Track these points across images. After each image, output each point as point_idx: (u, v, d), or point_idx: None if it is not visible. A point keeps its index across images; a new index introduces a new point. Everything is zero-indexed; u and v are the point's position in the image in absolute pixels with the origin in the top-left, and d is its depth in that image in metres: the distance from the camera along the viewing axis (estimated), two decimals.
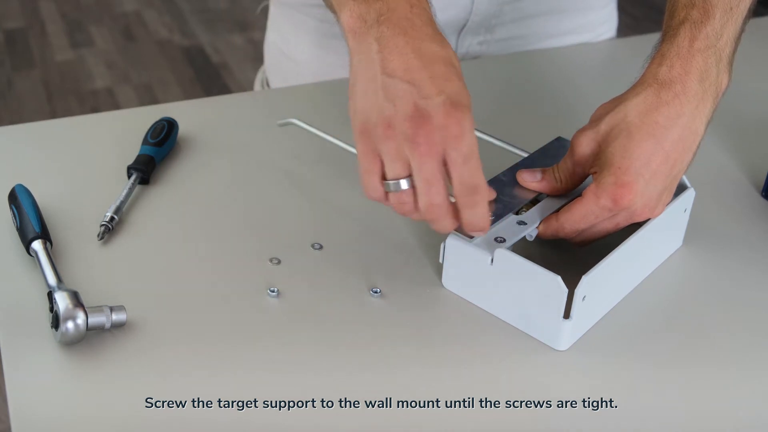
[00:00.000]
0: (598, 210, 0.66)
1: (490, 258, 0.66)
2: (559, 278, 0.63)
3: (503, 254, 0.65)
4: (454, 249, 0.68)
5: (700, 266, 0.76)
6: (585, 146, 0.68)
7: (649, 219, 0.69)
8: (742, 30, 0.72)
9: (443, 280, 0.71)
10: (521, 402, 0.62)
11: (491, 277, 0.67)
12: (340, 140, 0.78)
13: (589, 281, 0.63)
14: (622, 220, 0.68)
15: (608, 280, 0.67)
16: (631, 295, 0.71)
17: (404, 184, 0.62)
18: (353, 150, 0.75)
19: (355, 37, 0.64)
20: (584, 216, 0.67)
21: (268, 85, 1.16)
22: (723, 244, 0.78)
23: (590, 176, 0.70)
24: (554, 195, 0.72)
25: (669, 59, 0.67)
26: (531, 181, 0.72)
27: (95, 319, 0.64)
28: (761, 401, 0.63)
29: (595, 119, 0.69)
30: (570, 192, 0.71)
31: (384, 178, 0.63)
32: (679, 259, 0.76)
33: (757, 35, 1.17)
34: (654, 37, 0.73)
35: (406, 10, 0.63)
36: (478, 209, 0.63)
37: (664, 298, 0.72)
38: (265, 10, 1.17)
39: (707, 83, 0.67)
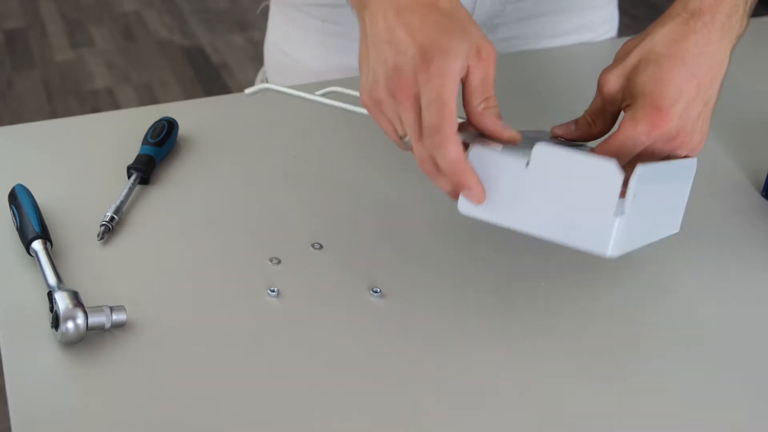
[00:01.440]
0: (636, 136, 0.65)
1: (525, 161, 0.60)
2: (614, 162, 0.58)
3: (545, 150, 0.59)
4: (479, 160, 0.61)
5: (700, 266, 0.76)
6: (613, 83, 0.68)
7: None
8: None
9: (459, 203, 0.64)
10: (524, 404, 0.62)
11: (526, 185, 0.60)
12: (320, 97, 0.76)
13: (642, 174, 0.59)
14: (659, 148, 0.67)
15: (650, 193, 0.63)
16: (632, 296, 0.71)
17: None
18: (333, 103, 0.74)
19: (357, 10, 0.66)
20: (622, 145, 0.66)
21: None
22: (723, 244, 0.78)
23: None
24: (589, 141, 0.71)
25: None
26: (566, 133, 0.71)
27: (95, 319, 0.64)
28: (762, 401, 0.63)
29: (621, 56, 0.69)
30: (604, 135, 0.70)
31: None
32: (679, 259, 0.76)
33: (757, 35, 1.17)
34: None
35: None
36: (444, 150, 0.60)
37: (665, 298, 0.72)
38: (266, 11, 1.17)
39: (734, 19, 0.68)
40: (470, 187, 0.62)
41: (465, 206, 0.63)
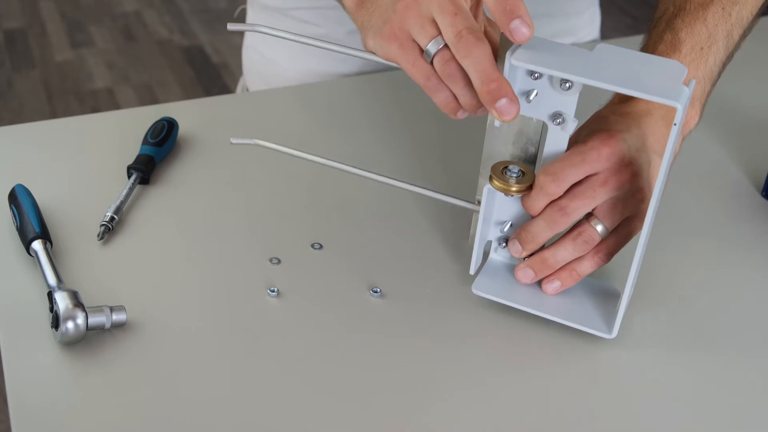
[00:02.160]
0: (586, 151, 0.63)
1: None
2: (676, 62, 0.59)
3: (607, 47, 0.60)
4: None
5: (700, 266, 0.76)
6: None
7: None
8: (720, 71, 0.72)
9: (474, 285, 0.69)
10: (521, 401, 0.62)
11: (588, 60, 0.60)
12: (307, 153, 0.74)
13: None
14: (608, 175, 0.64)
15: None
16: (635, 298, 0.71)
17: (440, 40, 0.60)
18: (320, 161, 0.73)
19: None
20: (569, 157, 0.63)
21: (247, 91, 1.16)
22: (723, 244, 0.78)
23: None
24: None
25: None
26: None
27: (95, 319, 0.64)
28: (763, 401, 0.63)
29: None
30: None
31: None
32: (679, 259, 0.76)
33: (757, 35, 1.17)
34: None
35: None
36: (517, 12, 0.58)
37: (664, 297, 0.72)
38: (242, 15, 1.17)
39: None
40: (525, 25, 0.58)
41: (479, 286, 0.69)
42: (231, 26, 0.69)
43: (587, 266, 0.67)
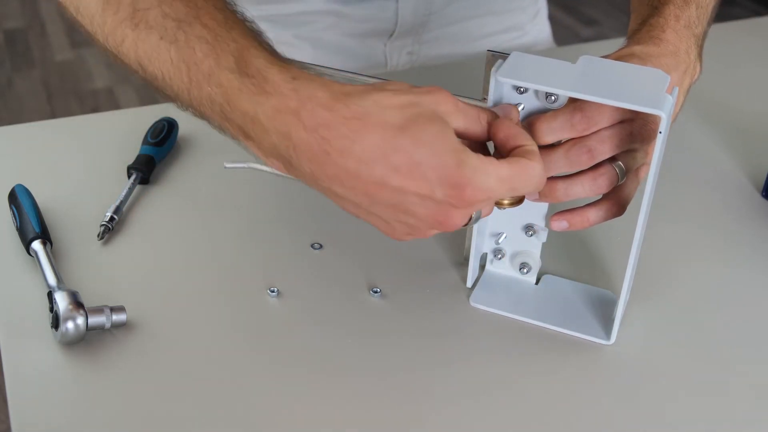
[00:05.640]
0: (571, 111, 0.61)
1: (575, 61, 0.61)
2: (658, 70, 0.60)
3: (590, 59, 0.61)
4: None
5: (700, 266, 0.76)
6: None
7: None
8: (705, 34, 0.73)
9: (471, 297, 0.70)
10: (521, 401, 0.62)
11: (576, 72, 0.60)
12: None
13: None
14: (637, 126, 0.62)
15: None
16: (634, 298, 0.71)
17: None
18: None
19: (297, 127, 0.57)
20: (554, 119, 0.61)
21: None
22: (723, 244, 0.78)
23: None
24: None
25: (651, 26, 0.68)
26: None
27: (95, 319, 0.64)
28: (763, 402, 0.63)
29: None
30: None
31: None
32: (679, 259, 0.76)
33: (757, 35, 1.17)
34: None
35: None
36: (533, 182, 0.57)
37: (664, 297, 0.72)
38: None
39: (680, 58, 0.67)
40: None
41: (477, 299, 0.70)
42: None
43: (600, 215, 0.64)
